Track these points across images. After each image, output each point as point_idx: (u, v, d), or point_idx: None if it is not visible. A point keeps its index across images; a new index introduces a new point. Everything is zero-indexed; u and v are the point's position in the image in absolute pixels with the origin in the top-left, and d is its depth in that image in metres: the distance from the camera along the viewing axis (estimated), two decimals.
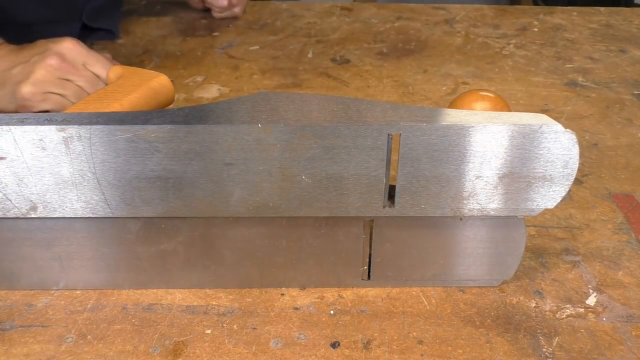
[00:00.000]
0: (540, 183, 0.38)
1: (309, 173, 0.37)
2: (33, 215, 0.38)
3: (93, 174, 0.37)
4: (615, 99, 0.70)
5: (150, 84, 0.51)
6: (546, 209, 0.39)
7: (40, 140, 0.36)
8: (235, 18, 0.96)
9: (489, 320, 0.40)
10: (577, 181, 0.55)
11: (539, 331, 0.39)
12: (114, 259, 0.41)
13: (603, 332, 0.39)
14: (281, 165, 0.37)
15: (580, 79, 0.75)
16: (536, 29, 0.92)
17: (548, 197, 0.38)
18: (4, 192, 0.37)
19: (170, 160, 0.36)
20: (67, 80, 0.57)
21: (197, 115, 0.37)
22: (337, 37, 0.90)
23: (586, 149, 0.60)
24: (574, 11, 0.99)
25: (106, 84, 0.58)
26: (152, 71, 0.53)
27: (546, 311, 0.41)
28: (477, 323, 0.40)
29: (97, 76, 0.58)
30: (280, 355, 0.38)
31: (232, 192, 0.38)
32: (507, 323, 0.40)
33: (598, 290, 0.43)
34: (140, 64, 0.79)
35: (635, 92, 0.71)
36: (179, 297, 0.42)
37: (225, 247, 0.41)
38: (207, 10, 0.97)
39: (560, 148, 0.36)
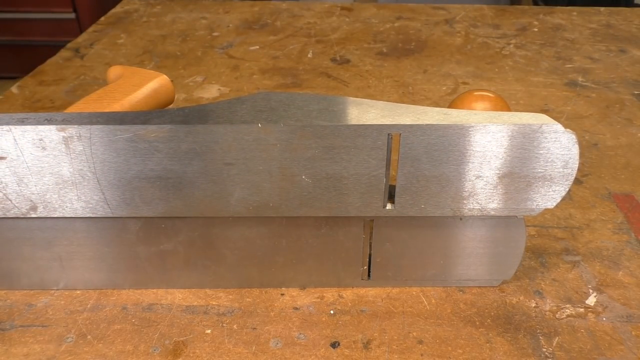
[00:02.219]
0: (540, 183, 0.38)
1: (309, 173, 0.37)
2: (33, 215, 0.38)
3: (93, 173, 0.37)
4: (615, 99, 0.70)
5: (150, 84, 0.51)
6: (546, 209, 0.39)
7: (40, 140, 0.36)
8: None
9: (489, 320, 0.40)
10: (577, 181, 0.55)
11: (539, 331, 0.39)
12: (114, 259, 0.41)
13: (603, 332, 0.39)
14: (281, 165, 0.37)
15: (580, 79, 0.75)
16: (536, 29, 0.92)
17: (548, 197, 0.38)
18: (4, 192, 0.37)
19: (170, 160, 0.36)
20: None
21: (197, 115, 0.37)
22: (337, 37, 0.90)
23: (586, 149, 0.60)
24: (574, 11, 0.99)
25: None
26: (152, 71, 0.53)
27: (546, 311, 0.41)
28: (477, 323, 0.40)
29: None
30: (280, 355, 0.38)
31: (232, 192, 0.38)
32: (507, 323, 0.40)
33: (598, 290, 0.43)
34: (140, 64, 0.79)
35: (635, 92, 0.71)
36: (179, 297, 0.42)
37: (225, 247, 0.41)
38: None
39: (560, 148, 0.36)
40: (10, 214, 0.38)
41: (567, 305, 0.41)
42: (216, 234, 0.40)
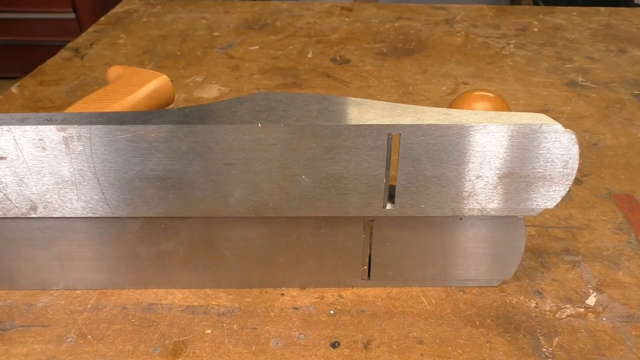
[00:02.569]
0: (540, 183, 0.38)
1: (309, 173, 0.37)
2: (33, 215, 0.38)
3: (93, 173, 0.37)
4: (615, 99, 0.70)
5: (150, 84, 0.51)
6: (546, 209, 0.39)
7: (40, 140, 0.36)
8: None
9: (489, 320, 0.40)
10: (577, 181, 0.55)
11: (539, 331, 0.39)
12: (114, 259, 0.41)
13: (603, 332, 0.39)
14: (281, 165, 0.37)
15: (580, 79, 0.75)
16: (536, 29, 0.92)
17: (548, 197, 0.38)
18: (4, 192, 0.37)
19: (170, 160, 0.36)
20: None
21: (197, 115, 0.37)
22: (337, 37, 0.90)
23: (586, 149, 0.60)
24: (574, 11, 0.99)
25: None
26: (152, 71, 0.53)
27: (546, 311, 0.41)
28: (477, 323, 0.40)
29: None
30: (280, 355, 0.38)
31: (232, 192, 0.38)
32: (507, 323, 0.40)
33: (598, 290, 0.43)
34: (140, 64, 0.79)
35: (635, 92, 0.71)
36: (179, 297, 0.42)
37: (225, 247, 0.41)
38: None
39: (560, 148, 0.36)
40: (10, 214, 0.38)
41: (567, 305, 0.41)
42: (216, 234, 0.40)
